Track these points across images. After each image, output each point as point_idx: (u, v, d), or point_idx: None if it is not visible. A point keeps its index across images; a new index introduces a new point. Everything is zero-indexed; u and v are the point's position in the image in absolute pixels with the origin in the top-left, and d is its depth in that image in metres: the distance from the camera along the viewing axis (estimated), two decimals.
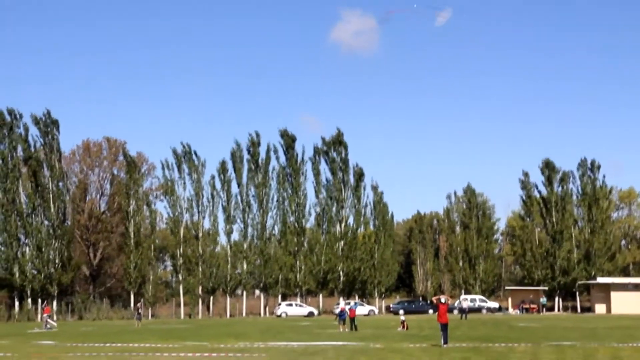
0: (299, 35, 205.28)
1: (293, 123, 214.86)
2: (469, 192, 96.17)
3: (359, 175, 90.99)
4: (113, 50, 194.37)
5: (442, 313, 30.81)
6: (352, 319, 46.06)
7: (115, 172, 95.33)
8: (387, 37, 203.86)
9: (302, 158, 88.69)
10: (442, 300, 31.78)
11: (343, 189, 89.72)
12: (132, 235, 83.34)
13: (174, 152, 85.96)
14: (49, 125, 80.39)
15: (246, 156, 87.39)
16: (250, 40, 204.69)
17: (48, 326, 54.83)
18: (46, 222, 78.91)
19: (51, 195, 79.14)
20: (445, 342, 30.29)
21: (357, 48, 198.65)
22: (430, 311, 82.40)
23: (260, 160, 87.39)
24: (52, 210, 78.95)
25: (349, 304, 51.94)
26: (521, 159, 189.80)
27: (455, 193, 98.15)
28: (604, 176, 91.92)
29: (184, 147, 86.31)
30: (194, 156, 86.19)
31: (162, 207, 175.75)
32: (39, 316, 70.84)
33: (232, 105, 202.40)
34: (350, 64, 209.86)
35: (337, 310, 49.88)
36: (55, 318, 70.60)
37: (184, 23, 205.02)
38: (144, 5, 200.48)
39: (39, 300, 75.93)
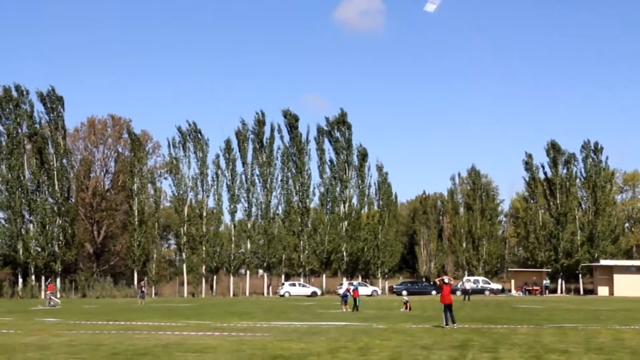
0: (303, 15, 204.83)
1: (297, 102, 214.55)
2: (473, 173, 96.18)
3: (363, 156, 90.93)
4: (119, 28, 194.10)
5: (446, 294, 30.72)
6: (355, 299, 46.10)
7: (120, 150, 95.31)
8: (392, 18, 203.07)
9: (307, 138, 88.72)
10: (446, 281, 31.73)
11: (347, 169, 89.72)
12: (136, 214, 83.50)
13: (179, 130, 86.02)
14: (54, 102, 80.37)
15: (251, 135, 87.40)
16: (255, 19, 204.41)
17: (52, 303, 54.99)
18: (50, 199, 79.02)
19: (55, 173, 79.22)
20: (453, 322, 30.18)
21: (362, 28, 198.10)
22: (434, 292, 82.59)
23: (264, 140, 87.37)
24: (57, 187, 79.04)
25: (352, 284, 51.98)
26: (525, 141, 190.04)
27: (459, 174, 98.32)
28: (606, 158, 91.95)
29: (189, 125, 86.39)
30: (199, 134, 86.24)
31: (166, 185, 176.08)
32: (43, 293, 71.09)
33: (237, 85, 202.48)
34: (355, 44, 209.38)
35: (341, 291, 49.87)
36: (58, 295, 70.88)
37: (189, 2, 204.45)
38: None
39: (43, 278, 76.20)
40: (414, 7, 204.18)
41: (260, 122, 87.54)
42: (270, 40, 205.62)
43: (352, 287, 48.53)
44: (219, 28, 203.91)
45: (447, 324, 30.28)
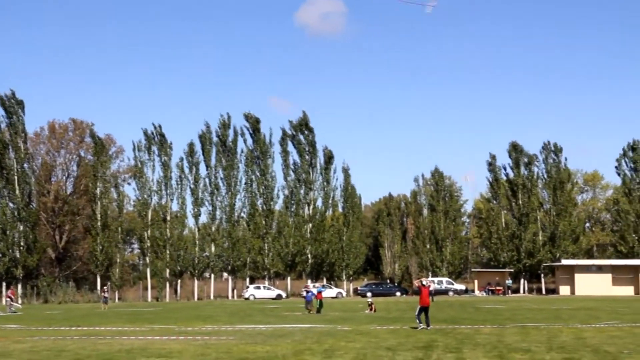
0: (264, 17, 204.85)
1: (262, 105, 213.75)
2: (437, 174, 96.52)
3: (329, 158, 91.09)
4: (79, 30, 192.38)
5: (425, 296, 30.58)
6: (320, 301, 46.20)
7: (82, 154, 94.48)
8: (354, 20, 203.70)
9: (270, 140, 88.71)
10: (424, 283, 31.67)
11: (311, 172, 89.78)
12: (99, 218, 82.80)
13: (145, 133, 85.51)
14: (13, 105, 79.55)
15: (215, 138, 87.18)
16: (216, 21, 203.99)
17: (12, 309, 54.37)
18: (11, 204, 78.21)
19: (16, 177, 78.38)
20: (427, 325, 30.25)
21: (324, 30, 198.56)
22: (398, 293, 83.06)
23: (228, 143, 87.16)
24: (17, 192, 78.23)
25: (315, 286, 52.07)
26: (490, 143, 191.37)
27: (422, 176, 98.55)
28: (565, 159, 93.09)
29: (154, 128, 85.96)
30: (164, 138, 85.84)
31: (129, 189, 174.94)
32: (4, 299, 70.23)
33: (200, 88, 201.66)
34: (317, 46, 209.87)
35: (306, 294, 49.88)
36: (20, 301, 70.06)
37: (152, 5, 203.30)
38: None
39: (4, 284, 75.26)
40: (376, 9, 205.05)
41: (225, 125, 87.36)
42: (231, 42, 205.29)
43: (315, 290, 48.62)
44: (180, 30, 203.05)
45: (420, 324, 30.28)
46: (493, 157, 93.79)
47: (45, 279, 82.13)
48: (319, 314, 44.05)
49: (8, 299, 56.32)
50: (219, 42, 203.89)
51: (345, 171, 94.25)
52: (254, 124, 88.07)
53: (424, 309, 30.47)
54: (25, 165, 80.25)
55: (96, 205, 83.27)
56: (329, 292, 77.54)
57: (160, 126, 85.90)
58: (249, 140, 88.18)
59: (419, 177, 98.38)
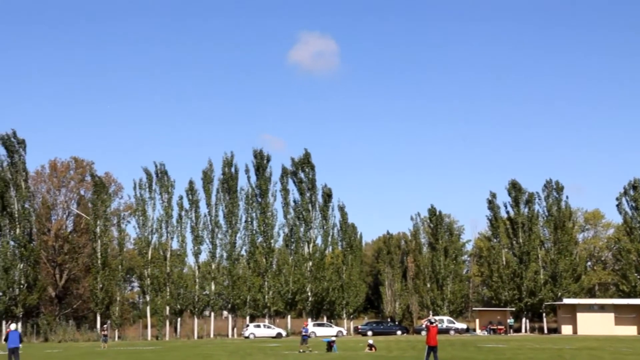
0: (257, 56, 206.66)
1: (254, 143, 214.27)
2: (433, 213, 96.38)
3: (328, 196, 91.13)
4: (80, 71, 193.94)
5: (432, 336, 30.35)
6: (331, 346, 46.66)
7: (83, 192, 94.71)
8: (346, 59, 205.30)
9: (270, 178, 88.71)
10: (432, 322, 31.38)
11: (311, 210, 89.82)
12: (99, 256, 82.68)
13: (146, 171, 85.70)
14: (15, 145, 79.96)
15: (217, 176, 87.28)
16: (209, 60, 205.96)
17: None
18: (12, 243, 78.18)
19: (17, 216, 78.50)
20: None
21: (316, 69, 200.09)
22: (399, 332, 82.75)
23: (230, 181, 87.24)
24: (18, 230, 78.29)
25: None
26: (490, 181, 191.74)
27: (419, 214, 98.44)
28: (566, 197, 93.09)
29: (156, 166, 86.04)
30: (166, 175, 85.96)
31: (129, 227, 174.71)
32: (3, 338, 69.81)
33: (195, 127, 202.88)
34: (309, 85, 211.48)
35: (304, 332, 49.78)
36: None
37: (147, 46, 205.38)
38: (110, 23, 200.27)
39: (4, 322, 74.99)
40: (368, 48, 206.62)
41: (228, 163, 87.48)
42: (224, 79, 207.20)
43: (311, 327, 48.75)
44: (175, 70, 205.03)
45: None
46: (493, 195, 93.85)
47: (45, 317, 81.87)
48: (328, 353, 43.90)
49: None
50: (211, 78, 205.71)
51: (342, 209, 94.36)
52: (261, 161, 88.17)
53: (432, 349, 30.24)
54: (26, 203, 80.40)
55: (96, 243, 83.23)
56: (330, 331, 77.46)
57: (162, 164, 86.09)
58: (253, 178, 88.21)
59: (415, 216, 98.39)
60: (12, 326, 36.92)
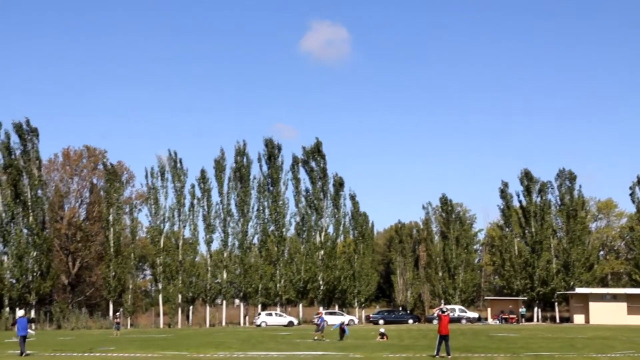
0: (269, 45, 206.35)
1: (267, 132, 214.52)
2: (444, 202, 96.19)
3: (339, 185, 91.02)
4: (94, 59, 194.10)
5: (444, 324, 30.40)
6: (344, 330, 46.67)
7: (95, 180, 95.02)
8: (358, 47, 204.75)
9: (281, 166, 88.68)
10: (444, 310, 31.37)
11: (322, 198, 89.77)
12: (111, 244, 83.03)
13: (159, 159, 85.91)
14: (28, 133, 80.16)
15: (228, 164, 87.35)
16: (221, 49, 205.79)
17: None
18: (25, 231, 78.50)
19: (30, 204, 78.80)
20: (448, 354, 30.12)
21: (328, 57, 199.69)
22: (410, 321, 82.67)
23: (242, 169, 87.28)
24: (31, 218, 78.61)
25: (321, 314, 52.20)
26: (503, 169, 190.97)
27: (430, 203, 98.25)
28: (580, 186, 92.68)
29: (170, 154, 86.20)
30: (179, 164, 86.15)
31: (142, 216, 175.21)
32: (11, 323, 70.21)
33: (207, 116, 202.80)
34: (321, 73, 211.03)
35: (316, 320, 49.78)
36: (33, 327, 70.03)
37: (160, 36, 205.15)
38: (123, 11, 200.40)
39: (17, 309, 75.29)
40: (379, 36, 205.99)
41: (240, 152, 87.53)
42: (236, 69, 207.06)
43: (326, 316, 48.74)
44: (187, 59, 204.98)
45: (437, 354, 30.20)
46: (505, 184, 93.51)
47: (58, 305, 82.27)
48: (331, 341, 43.93)
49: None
50: (223, 67, 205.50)
51: (353, 198, 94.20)
52: (272, 150, 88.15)
53: (444, 338, 30.28)
54: (39, 192, 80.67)
55: (109, 231, 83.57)
56: (342, 319, 77.49)
57: (175, 152, 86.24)
58: (264, 167, 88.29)
59: (427, 205, 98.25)
60: (21, 312, 37.05)
